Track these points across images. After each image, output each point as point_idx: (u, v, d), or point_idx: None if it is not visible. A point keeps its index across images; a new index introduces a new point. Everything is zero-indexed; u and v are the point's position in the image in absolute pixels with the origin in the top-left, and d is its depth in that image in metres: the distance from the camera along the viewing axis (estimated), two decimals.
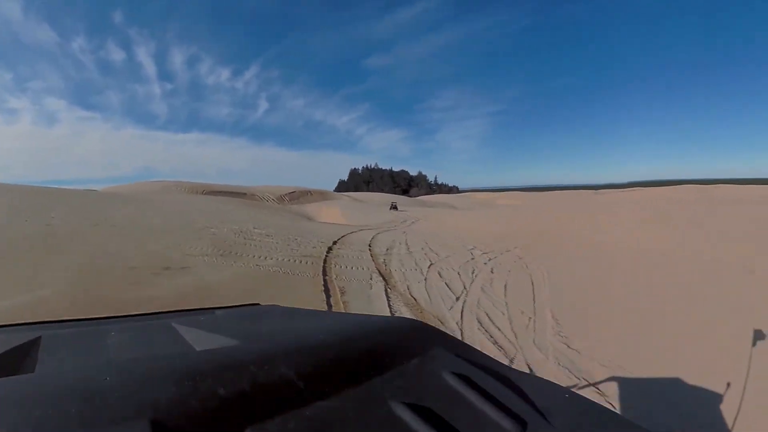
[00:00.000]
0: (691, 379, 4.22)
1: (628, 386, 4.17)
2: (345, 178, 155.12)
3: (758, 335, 5.05)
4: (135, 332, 1.10)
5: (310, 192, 49.34)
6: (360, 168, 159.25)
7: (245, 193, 42.44)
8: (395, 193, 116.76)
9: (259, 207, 28.87)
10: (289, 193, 45.99)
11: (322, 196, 50.40)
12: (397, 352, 0.92)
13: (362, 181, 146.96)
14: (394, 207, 40.79)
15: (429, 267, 9.02)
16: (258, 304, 1.66)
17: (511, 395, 0.81)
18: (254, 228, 13.92)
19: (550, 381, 0.97)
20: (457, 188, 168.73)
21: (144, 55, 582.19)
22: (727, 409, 3.66)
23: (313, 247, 10.57)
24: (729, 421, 3.51)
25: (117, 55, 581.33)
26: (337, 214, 31.72)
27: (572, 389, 0.97)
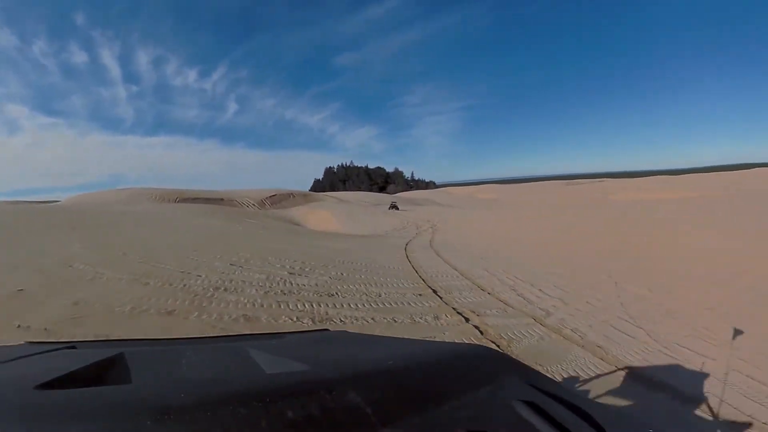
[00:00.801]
0: None
1: None
2: (320, 177, 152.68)
3: None
4: (209, 353, 1.08)
5: (292, 194, 46.43)
6: (335, 166, 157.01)
7: (222, 199, 39.24)
8: (372, 191, 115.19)
9: (245, 217, 25.99)
10: (270, 196, 43.03)
11: (305, 198, 47.60)
12: (466, 379, 0.92)
13: (338, 179, 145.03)
14: (394, 207, 38.73)
15: None
16: (327, 329, 1.65)
17: (583, 425, 0.82)
18: (281, 266, 8.50)
19: (624, 411, 0.96)
20: (434, 183, 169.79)
21: (108, 57, 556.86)
22: None
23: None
24: None
25: (80, 57, 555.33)
26: (329, 218, 29.20)
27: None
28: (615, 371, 4.10)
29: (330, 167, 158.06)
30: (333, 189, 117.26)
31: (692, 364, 4.30)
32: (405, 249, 13.23)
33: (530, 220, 21.68)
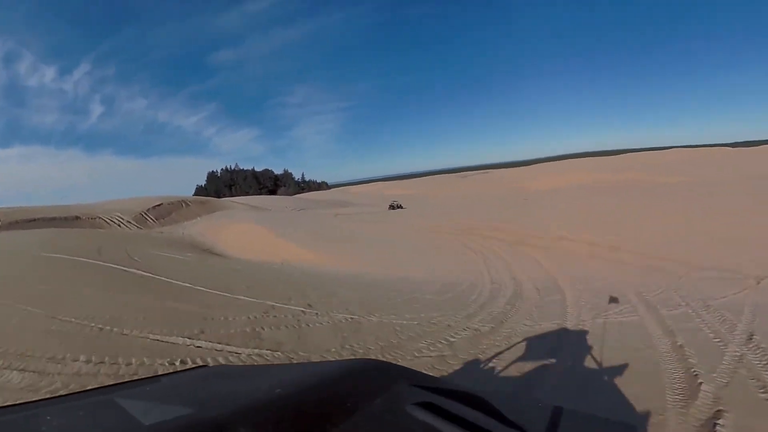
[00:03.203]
0: None
1: None
2: (203, 183, 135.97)
3: None
4: (73, 414, 0.96)
5: (184, 202, 34.20)
6: (219, 171, 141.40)
7: (78, 217, 26.01)
8: (261, 194, 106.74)
9: (110, 244, 14.96)
10: (153, 207, 30.57)
11: (203, 206, 35.67)
12: (358, 394, 0.92)
13: (224, 184, 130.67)
14: (398, 206, 35.48)
15: None
16: (206, 365, 1.56)
17: (478, 415, 0.86)
18: None
19: (517, 395, 1.22)
20: (326, 184, 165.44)
21: None
22: None
23: None
24: None
25: None
26: (265, 235, 19.47)
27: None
28: None
29: (213, 172, 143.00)
30: (218, 194, 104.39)
31: None
32: None
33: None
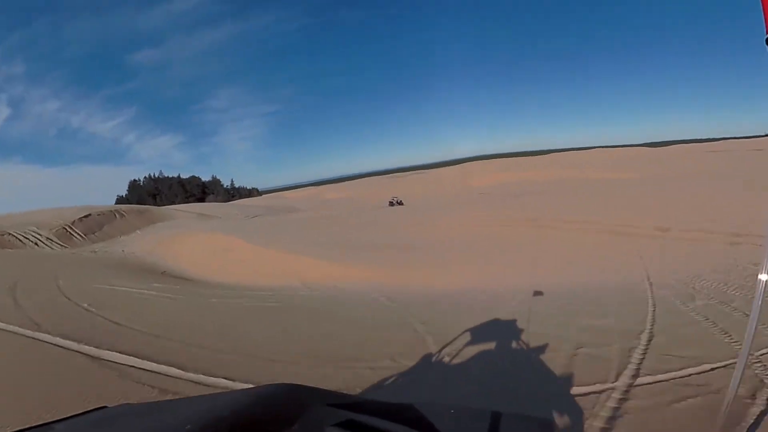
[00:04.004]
0: None
1: None
2: (123, 193, 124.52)
3: None
4: None
5: (118, 213, 28.33)
6: (141, 179, 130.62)
7: None
8: (188, 202, 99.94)
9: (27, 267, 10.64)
10: (80, 219, 24.71)
11: (141, 216, 30.03)
12: (275, 421, 0.91)
13: (147, 193, 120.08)
14: (399, 203, 34.04)
15: None
16: (105, 406, 1.38)
17: (399, 428, 0.89)
18: None
19: (430, 403, 1.04)
20: (257, 190, 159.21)
21: None
22: None
23: None
24: None
25: None
26: (259, 252, 15.18)
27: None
28: None
29: (135, 180, 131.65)
30: (141, 203, 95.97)
31: None
32: None
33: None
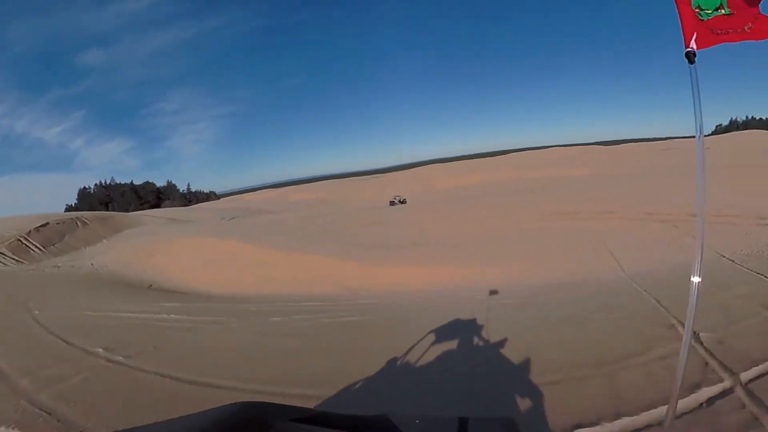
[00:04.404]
0: None
1: None
2: (73, 201, 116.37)
3: None
4: None
5: (79, 220, 24.63)
6: (92, 186, 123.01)
7: None
8: (143, 209, 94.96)
9: None
10: (36, 230, 21.01)
11: (105, 224, 26.37)
12: None
13: (98, 202, 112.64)
14: (402, 201, 32.94)
15: None
16: None
17: None
18: None
19: (396, 413, 1.06)
20: (215, 194, 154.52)
21: None
22: None
23: None
24: None
25: None
26: (276, 256, 12.88)
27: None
28: None
29: (86, 188, 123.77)
30: (93, 211, 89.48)
31: None
32: None
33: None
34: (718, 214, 10.72)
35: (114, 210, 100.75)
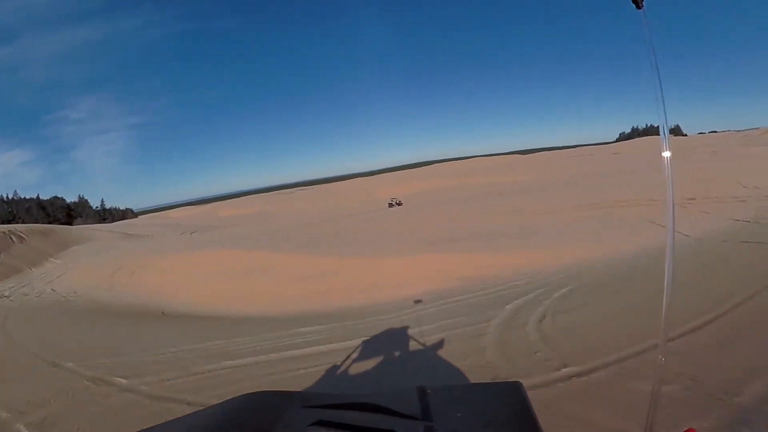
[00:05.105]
0: None
1: None
2: None
3: None
4: None
5: (13, 235, 19.62)
6: None
7: None
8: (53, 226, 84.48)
9: None
10: None
11: (47, 239, 21.47)
12: (253, 430, 0.91)
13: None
14: (398, 203, 33.52)
15: None
16: None
17: (376, 417, 0.91)
18: None
19: (397, 390, 1.12)
20: (132, 211, 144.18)
21: None
22: None
23: None
24: None
25: None
26: (320, 266, 10.79)
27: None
28: None
29: None
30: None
31: None
32: None
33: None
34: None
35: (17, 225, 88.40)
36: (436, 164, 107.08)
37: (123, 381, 4.97)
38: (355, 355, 4.91)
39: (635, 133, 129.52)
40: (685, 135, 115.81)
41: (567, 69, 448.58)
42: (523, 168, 57.30)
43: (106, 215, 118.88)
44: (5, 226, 23.16)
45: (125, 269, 15.11)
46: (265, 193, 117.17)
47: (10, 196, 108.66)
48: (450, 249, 11.36)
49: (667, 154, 1.66)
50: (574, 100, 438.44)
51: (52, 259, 18.48)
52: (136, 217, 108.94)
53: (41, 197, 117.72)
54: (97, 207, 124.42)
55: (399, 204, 33.01)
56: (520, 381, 1.11)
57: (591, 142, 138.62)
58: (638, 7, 1.62)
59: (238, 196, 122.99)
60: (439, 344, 4.90)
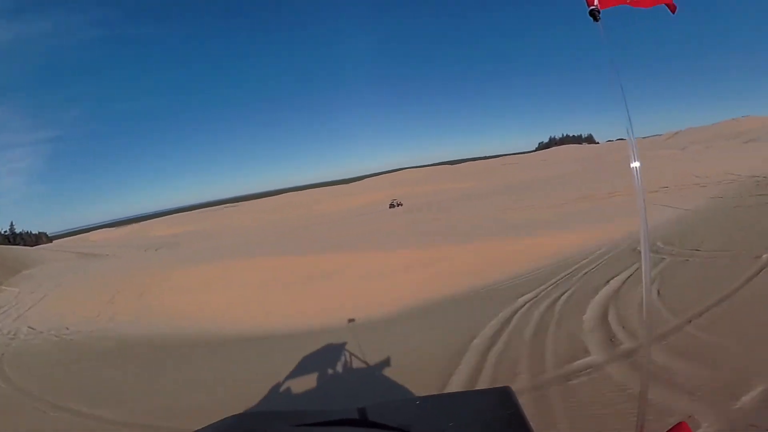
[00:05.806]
0: None
1: None
2: None
3: None
4: None
5: None
6: None
7: None
8: None
9: None
10: None
11: None
12: None
13: None
14: (398, 204, 34.50)
15: None
16: None
17: (360, 429, 0.90)
18: None
19: (384, 401, 1.07)
20: (46, 235, 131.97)
21: None
22: None
23: None
24: None
25: None
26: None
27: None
28: None
29: None
30: None
31: None
32: None
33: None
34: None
35: None
36: (366, 179, 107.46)
37: None
38: None
39: (553, 142, 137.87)
40: (597, 143, 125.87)
41: (488, 79, 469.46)
42: (461, 176, 60.22)
43: (18, 240, 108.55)
44: None
45: (126, 292, 12.24)
46: (189, 212, 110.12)
47: None
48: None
49: (636, 164, 1.64)
50: (493, 110, 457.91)
51: (9, 288, 14.69)
52: (51, 242, 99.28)
53: None
54: (5, 231, 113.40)
55: (400, 204, 34.51)
56: (509, 386, 1.10)
57: (512, 152, 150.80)
58: (596, 20, 1.66)
59: (158, 216, 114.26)
60: None
